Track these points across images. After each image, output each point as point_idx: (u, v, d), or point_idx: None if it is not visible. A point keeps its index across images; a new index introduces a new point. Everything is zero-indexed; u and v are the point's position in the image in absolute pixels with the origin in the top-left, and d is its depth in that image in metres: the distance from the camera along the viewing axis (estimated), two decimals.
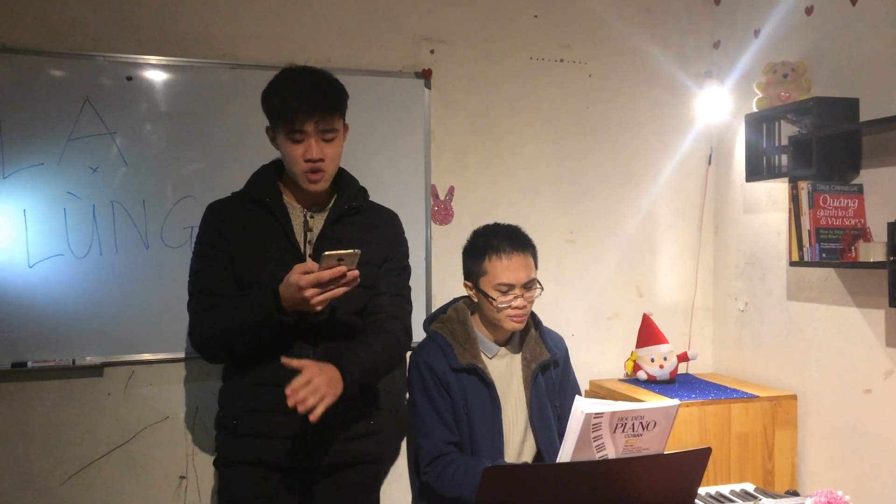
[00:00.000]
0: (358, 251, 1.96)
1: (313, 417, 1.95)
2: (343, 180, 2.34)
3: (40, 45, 2.70)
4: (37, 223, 2.68)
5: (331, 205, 2.28)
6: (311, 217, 2.25)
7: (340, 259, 1.95)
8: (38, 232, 2.68)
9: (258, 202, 2.22)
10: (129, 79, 2.77)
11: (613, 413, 1.75)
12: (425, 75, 3.12)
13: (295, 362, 1.99)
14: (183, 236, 2.82)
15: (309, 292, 1.96)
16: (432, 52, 3.16)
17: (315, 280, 1.95)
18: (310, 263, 2.00)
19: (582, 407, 1.74)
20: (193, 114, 2.85)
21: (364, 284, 2.22)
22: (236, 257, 2.19)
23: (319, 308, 2.02)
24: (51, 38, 2.73)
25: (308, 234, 2.23)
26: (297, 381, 1.95)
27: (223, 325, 2.14)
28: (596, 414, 1.74)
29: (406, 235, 2.45)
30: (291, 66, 2.22)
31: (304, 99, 2.10)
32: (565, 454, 1.77)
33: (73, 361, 2.74)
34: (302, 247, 2.21)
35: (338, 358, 2.10)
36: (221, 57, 2.90)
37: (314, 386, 1.96)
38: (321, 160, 2.14)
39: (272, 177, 2.29)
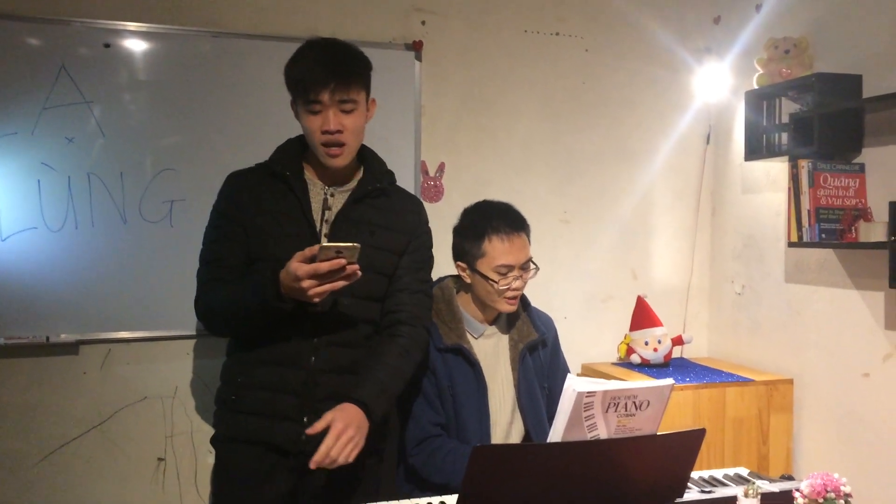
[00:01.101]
0: (358, 245, 1.90)
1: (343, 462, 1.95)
2: (369, 160, 2.27)
3: (13, 10, 2.59)
4: (9, 195, 2.58)
5: (354, 184, 2.20)
6: (332, 195, 2.17)
7: (339, 252, 1.88)
8: (11, 204, 2.59)
9: (279, 176, 2.15)
10: (107, 46, 2.67)
11: (606, 392, 1.69)
12: (416, 47, 3.02)
13: (319, 426, 1.95)
14: (162, 210, 2.73)
15: (306, 283, 1.90)
16: (423, 23, 3.06)
17: (312, 271, 1.89)
18: (309, 251, 1.92)
19: (574, 385, 1.68)
20: (174, 83, 2.75)
21: (381, 271, 2.17)
22: (251, 230, 2.12)
23: (317, 300, 1.96)
24: (24, 3, 2.62)
25: (326, 212, 2.15)
26: (321, 450, 1.91)
27: (224, 300, 2.09)
28: (588, 393, 1.68)
29: None
30: (314, 38, 2.14)
31: (320, 68, 2.03)
32: (556, 434, 1.71)
33: (48, 339, 2.65)
34: (318, 225, 2.14)
35: (361, 393, 2.04)
36: (203, 24, 2.80)
37: (340, 446, 1.92)
38: (339, 132, 2.06)
39: (296, 151, 2.21)
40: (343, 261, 1.89)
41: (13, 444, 2.67)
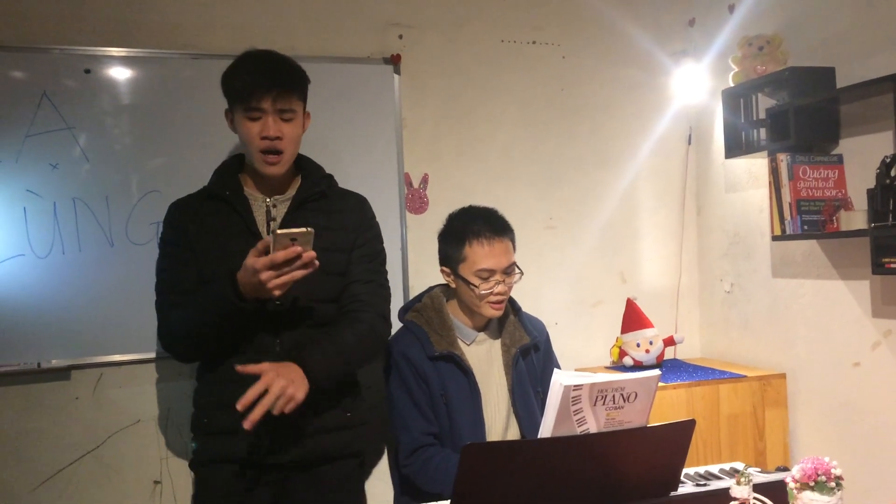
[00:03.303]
0: (311, 230, 1.91)
1: (277, 412, 1.91)
2: (307, 167, 2.30)
3: None
4: None
5: (294, 192, 2.23)
6: (274, 206, 2.20)
7: (293, 239, 1.89)
8: None
9: (219, 197, 2.18)
10: (88, 72, 2.69)
11: (593, 385, 1.69)
12: (394, 61, 3.05)
13: (251, 368, 1.93)
14: (149, 233, 2.74)
15: (264, 275, 1.91)
16: (401, 37, 3.09)
17: (269, 262, 1.90)
18: (262, 243, 1.93)
19: (561, 380, 1.69)
20: (156, 106, 2.77)
21: (334, 271, 2.17)
22: (199, 254, 2.15)
23: (278, 293, 1.96)
24: (2, 32, 2.64)
25: (272, 223, 2.18)
26: (250, 393, 1.88)
27: (187, 321, 2.10)
28: (575, 386, 1.68)
29: (380, 224, 2.39)
30: (252, 49, 2.19)
31: (262, 76, 2.07)
32: (546, 429, 1.71)
33: (39, 365, 2.64)
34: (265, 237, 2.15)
35: (301, 353, 2.03)
36: (183, 47, 2.83)
37: (270, 395, 1.89)
38: (278, 138, 2.09)
39: (233, 170, 2.25)
40: (298, 248, 1.90)
41: (6, 472, 2.66)
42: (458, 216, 2.48)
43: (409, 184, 3.11)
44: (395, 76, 3.05)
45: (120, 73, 2.74)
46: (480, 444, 2.01)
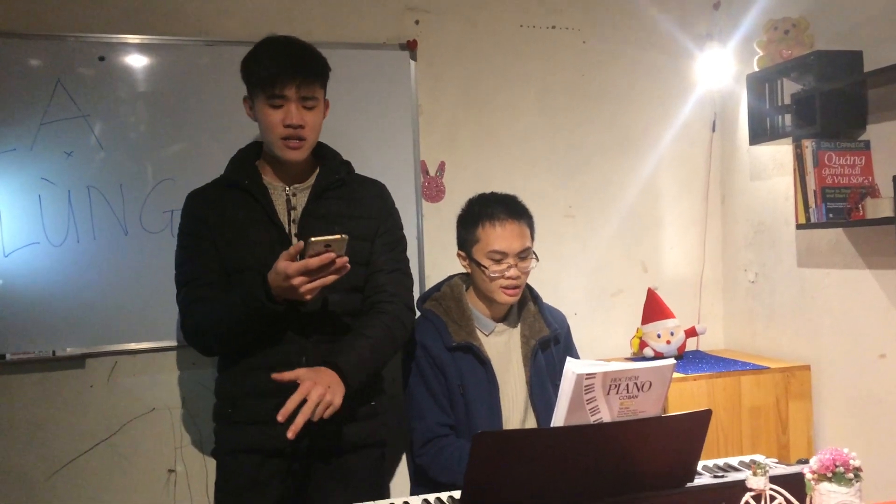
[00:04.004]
0: (346, 237, 1.88)
1: (316, 419, 1.89)
2: (325, 154, 2.27)
3: (6, 27, 2.61)
4: (11, 211, 2.59)
5: (313, 180, 2.20)
6: (294, 195, 2.17)
7: (328, 245, 1.87)
8: (13, 220, 2.60)
9: (237, 186, 2.15)
10: (102, 59, 2.68)
11: (606, 373, 1.65)
12: (410, 47, 3.01)
13: (287, 375, 1.90)
14: (163, 221, 2.73)
15: (297, 280, 1.89)
16: (417, 22, 3.05)
17: (302, 268, 1.88)
18: (294, 248, 1.91)
19: (573, 368, 1.65)
20: (170, 93, 2.75)
21: (357, 261, 2.15)
22: (219, 244, 2.12)
23: (309, 297, 1.94)
24: (17, 20, 2.64)
25: (292, 212, 2.16)
26: (289, 403, 1.85)
27: (214, 317, 2.07)
28: (588, 375, 1.64)
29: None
30: (273, 35, 2.16)
31: (286, 63, 2.05)
32: (558, 418, 1.67)
33: (54, 353, 2.65)
34: (286, 226, 2.14)
35: (336, 356, 2.01)
36: (197, 34, 2.81)
37: (310, 404, 1.86)
38: (301, 126, 2.07)
39: (250, 158, 2.22)
40: (333, 254, 1.88)
41: (22, 459, 2.67)
42: (477, 200, 2.46)
43: (426, 171, 3.08)
44: (412, 62, 3.02)
45: (134, 61, 2.73)
46: (492, 432, 1.97)
